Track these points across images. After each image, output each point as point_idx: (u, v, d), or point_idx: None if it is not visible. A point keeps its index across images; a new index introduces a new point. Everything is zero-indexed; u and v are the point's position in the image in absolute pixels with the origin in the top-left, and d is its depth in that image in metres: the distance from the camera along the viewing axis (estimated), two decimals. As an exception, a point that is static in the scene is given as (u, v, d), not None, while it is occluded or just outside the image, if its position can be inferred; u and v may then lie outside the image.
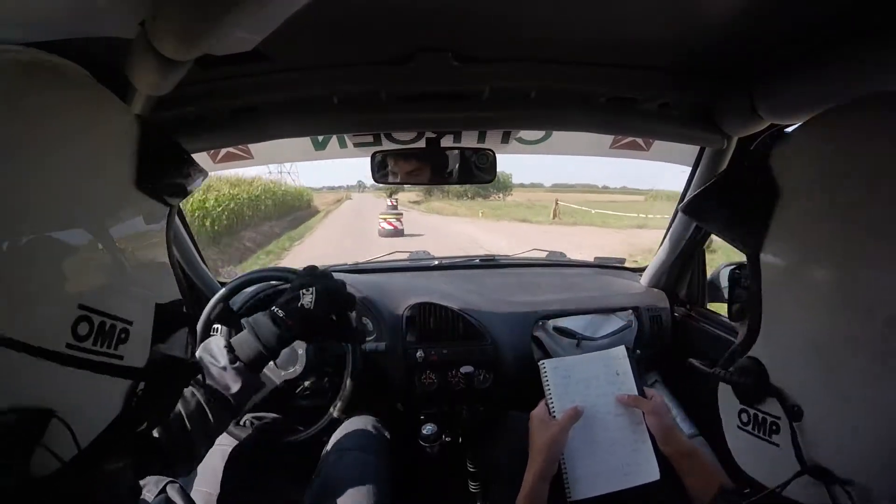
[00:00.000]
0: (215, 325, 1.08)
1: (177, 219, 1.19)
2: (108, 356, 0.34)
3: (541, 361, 0.87)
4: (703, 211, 0.46)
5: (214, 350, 0.78)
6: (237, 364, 0.77)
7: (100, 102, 0.39)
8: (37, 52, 0.38)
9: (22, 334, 0.29)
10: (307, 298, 0.84)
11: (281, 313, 0.81)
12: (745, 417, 0.39)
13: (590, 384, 0.84)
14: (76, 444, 0.32)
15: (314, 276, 0.89)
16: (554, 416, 0.80)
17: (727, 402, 0.41)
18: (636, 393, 0.83)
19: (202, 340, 1.03)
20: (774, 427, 0.36)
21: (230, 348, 0.78)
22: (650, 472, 0.78)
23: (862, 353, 0.31)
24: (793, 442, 0.34)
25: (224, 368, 0.76)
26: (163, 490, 0.63)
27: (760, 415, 0.37)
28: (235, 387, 0.76)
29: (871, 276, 0.30)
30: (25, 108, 0.32)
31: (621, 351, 0.87)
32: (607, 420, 0.81)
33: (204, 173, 0.46)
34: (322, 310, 0.84)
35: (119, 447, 0.40)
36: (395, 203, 15.04)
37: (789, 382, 0.35)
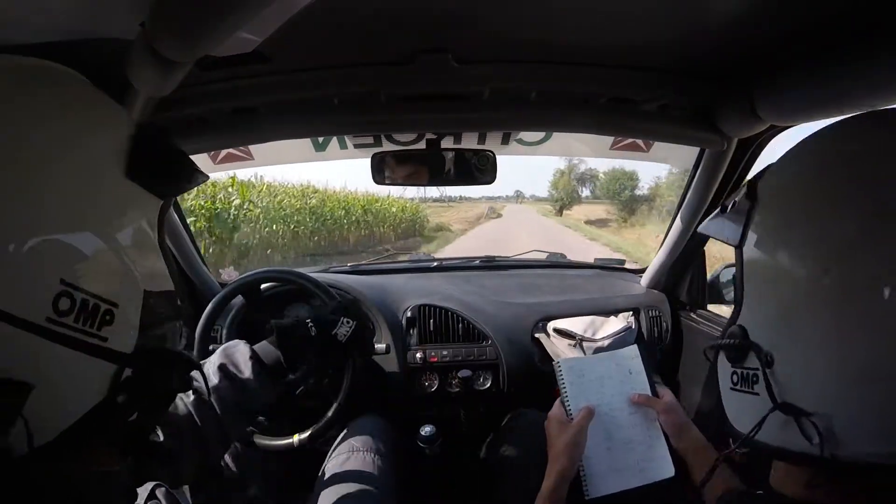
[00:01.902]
0: (216, 326, 1.08)
1: (176, 219, 1.19)
2: (90, 335, 0.33)
3: (556, 361, 0.88)
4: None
5: (238, 359, 0.77)
6: (261, 375, 0.77)
7: (93, 103, 0.40)
8: (21, 58, 0.38)
9: (2, 303, 0.29)
10: (343, 329, 0.83)
11: (314, 331, 0.81)
12: (735, 378, 0.46)
13: (604, 383, 0.85)
14: (26, 424, 0.31)
15: (357, 311, 0.88)
16: (571, 416, 0.81)
17: (723, 369, 0.49)
18: (648, 392, 0.84)
19: (203, 340, 1.03)
20: (755, 378, 0.43)
21: (256, 359, 0.77)
22: (665, 468, 0.79)
23: (811, 304, 0.39)
24: (765, 384, 0.41)
25: (247, 379, 0.75)
26: (151, 495, 0.63)
27: (744, 371, 0.45)
28: (256, 397, 0.76)
29: (820, 249, 0.40)
30: (15, 115, 0.33)
31: (633, 350, 0.88)
32: (622, 418, 0.83)
33: (203, 176, 0.47)
34: (349, 348, 0.84)
35: (112, 444, 0.40)
36: None
37: (762, 336, 0.43)
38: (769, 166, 0.50)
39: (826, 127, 0.47)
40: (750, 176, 0.54)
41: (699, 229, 0.57)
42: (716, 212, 0.54)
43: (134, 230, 0.38)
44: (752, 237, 0.47)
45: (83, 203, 0.35)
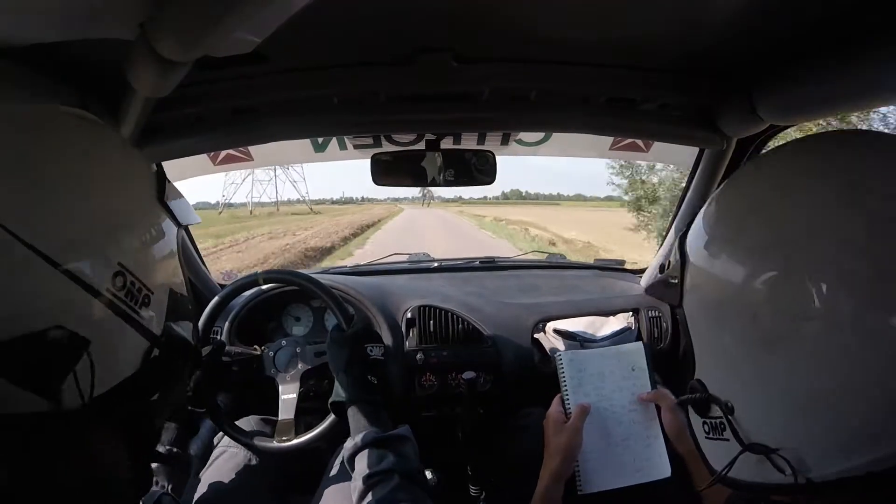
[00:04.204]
0: (216, 326, 1.08)
1: None
2: (133, 311, 0.40)
3: (557, 353, 0.86)
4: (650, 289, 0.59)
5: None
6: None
7: (125, 152, 0.48)
8: (64, 109, 0.45)
9: (77, 271, 0.36)
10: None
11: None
12: (706, 428, 0.48)
13: (605, 378, 0.83)
14: (92, 369, 0.37)
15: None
16: (569, 410, 0.80)
17: (695, 421, 0.50)
18: (650, 390, 0.82)
19: (203, 339, 1.03)
20: (722, 426, 0.45)
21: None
22: (662, 469, 0.78)
23: (749, 349, 0.41)
24: (731, 431, 0.43)
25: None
26: (157, 502, 0.64)
27: (713, 421, 0.47)
28: None
29: (744, 299, 0.41)
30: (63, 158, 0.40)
31: (638, 347, 0.86)
32: (621, 415, 0.81)
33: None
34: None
35: (119, 436, 0.42)
36: None
37: (718, 389, 0.46)
38: (694, 221, 0.52)
39: (735, 174, 0.49)
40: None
41: (644, 289, 0.60)
42: (655, 272, 0.55)
43: (163, 242, 0.47)
44: (687, 296, 0.49)
45: (134, 217, 0.44)
